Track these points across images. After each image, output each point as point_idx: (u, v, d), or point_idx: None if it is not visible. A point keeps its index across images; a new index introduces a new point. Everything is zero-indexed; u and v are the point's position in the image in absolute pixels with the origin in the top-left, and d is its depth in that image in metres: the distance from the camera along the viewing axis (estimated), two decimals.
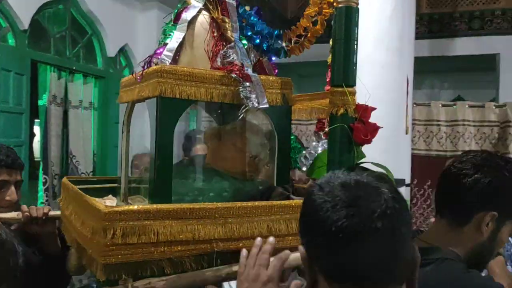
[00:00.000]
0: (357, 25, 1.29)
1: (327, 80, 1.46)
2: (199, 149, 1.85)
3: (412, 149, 4.48)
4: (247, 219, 1.09)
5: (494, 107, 4.63)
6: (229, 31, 1.33)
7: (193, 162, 1.71)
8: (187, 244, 1.04)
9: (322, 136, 1.53)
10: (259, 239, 0.95)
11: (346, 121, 1.28)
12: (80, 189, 1.34)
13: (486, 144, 4.58)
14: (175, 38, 1.30)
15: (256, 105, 1.23)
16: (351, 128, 1.28)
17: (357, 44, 1.30)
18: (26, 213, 1.50)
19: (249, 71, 1.29)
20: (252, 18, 1.39)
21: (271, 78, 1.34)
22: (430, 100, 6.15)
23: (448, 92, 8.75)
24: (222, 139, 1.43)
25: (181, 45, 1.30)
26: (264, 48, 1.39)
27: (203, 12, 1.36)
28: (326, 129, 1.54)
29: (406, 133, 3.47)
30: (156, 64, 1.25)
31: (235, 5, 1.39)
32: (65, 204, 1.43)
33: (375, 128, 1.29)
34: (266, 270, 0.91)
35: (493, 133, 4.61)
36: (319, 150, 1.56)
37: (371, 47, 3.16)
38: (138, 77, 1.25)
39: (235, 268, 1.02)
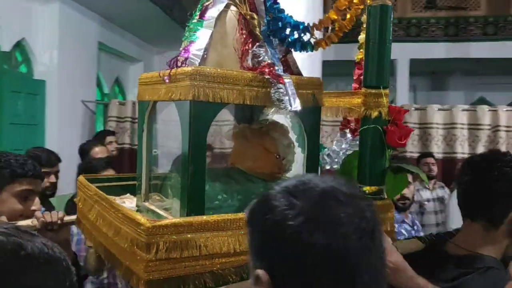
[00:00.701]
0: (391, 25, 1.25)
1: (354, 78, 1.43)
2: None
3: None
4: None
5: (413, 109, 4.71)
6: (257, 28, 1.28)
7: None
8: (228, 256, 1.02)
9: (348, 135, 1.50)
10: None
11: (379, 124, 1.25)
12: (97, 187, 1.30)
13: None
14: (203, 36, 1.24)
15: (289, 107, 1.19)
16: (384, 131, 1.25)
17: (391, 44, 1.26)
18: (42, 219, 1.46)
19: (280, 71, 1.24)
20: (278, 11, 1.33)
21: (301, 78, 1.30)
22: None
23: None
24: (249, 139, 1.39)
25: (208, 43, 1.24)
26: (290, 41, 1.34)
27: (231, 7, 1.30)
28: (350, 127, 1.52)
29: None
30: (183, 64, 1.19)
31: (263, 1, 1.33)
32: (85, 206, 1.38)
33: (408, 132, 1.27)
34: None
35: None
36: (343, 146, 1.54)
37: None
38: (166, 78, 1.20)
39: None
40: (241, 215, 1.06)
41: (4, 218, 1.42)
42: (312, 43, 1.34)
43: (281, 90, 1.20)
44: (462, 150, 4.50)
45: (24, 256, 0.64)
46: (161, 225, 0.95)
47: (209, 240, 0.99)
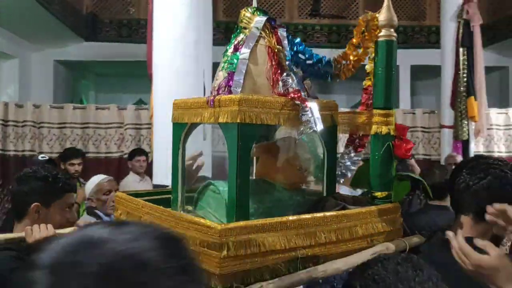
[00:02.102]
0: (396, 55, 1.51)
1: (362, 101, 1.66)
2: None
3: (213, 151, 4.64)
4: (329, 227, 1.29)
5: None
6: (284, 60, 1.50)
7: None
8: (279, 253, 1.22)
9: (352, 153, 1.73)
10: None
11: (388, 139, 1.50)
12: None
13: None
14: (240, 67, 1.45)
15: (315, 127, 1.41)
16: (393, 145, 1.50)
17: (396, 71, 1.51)
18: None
19: (304, 95, 1.47)
20: (300, 46, 1.56)
21: (321, 101, 1.53)
22: None
23: None
24: (274, 154, 1.60)
25: (245, 73, 1.45)
26: (312, 72, 1.58)
27: (261, 40, 1.51)
28: (356, 143, 1.75)
29: (204, 139, 3.38)
30: (226, 91, 1.39)
31: (285, 35, 1.55)
32: (131, 218, 1.54)
33: (411, 145, 1.52)
34: None
35: None
36: (348, 162, 1.76)
37: (169, 54, 3.26)
38: (211, 103, 1.39)
39: (321, 268, 1.22)
40: (285, 218, 1.26)
41: (50, 227, 1.55)
42: (332, 74, 1.56)
43: (308, 113, 1.42)
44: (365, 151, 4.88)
45: None
46: (230, 228, 1.14)
47: (266, 239, 1.19)
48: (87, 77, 9.36)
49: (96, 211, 3.02)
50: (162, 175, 3.31)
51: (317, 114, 1.43)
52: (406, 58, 7.23)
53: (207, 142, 4.34)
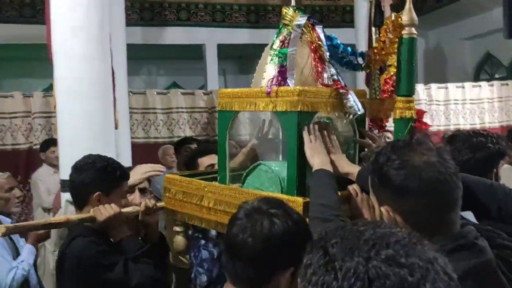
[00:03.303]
0: (416, 50, 1.77)
1: (383, 89, 1.91)
2: None
3: (132, 138, 4.74)
4: None
5: (202, 94, 5.17)
6: (324, 53, 1.71)
7: None
8: None
9: (376, 131, 1.98)
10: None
11: (410, 121, 1.77)
12: None
13: (198, 129, 5.06)
14: (291, 61, 1.64)
15: (358, 111, 1.65)
16: (413, 126, 1.77)
17: (416, 65, 1.77)
18: (144, 205, 1.75)
19: (343, 84, 1.69)
20: (335, 41, 1.78)
21: (355, 90, 1.76)
22: (148, 87, 6.88)
23: (165, 78, 9.60)
24: None
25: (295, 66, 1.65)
26: (344, 62, 1.80)
27: (303, 36, 1.71)
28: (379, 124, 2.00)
29: (116, 128, 3.33)
30: (282, 83, 1.59)
31: (322, 31, 1.76)
32: (189, 197, 1.71)
33: (428, 126, 1.80)
34: None
35: (203, 119, 5.09)
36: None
37: (69, 36, 2.86)
38: (269, 92, 1.57)
39: None
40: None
41: (115, 206, 1.69)
42: (363, 66, 1.79)
43: (350, 100, 1.65)
44: None
45: None
46: (306, 201, 1.36)
47: None
48: None
49: None
50: (69, 170, 2.85)
51: (356, 100, 1.67)
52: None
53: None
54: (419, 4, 6.95)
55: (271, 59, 1.69)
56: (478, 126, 5.44)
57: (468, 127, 5.49)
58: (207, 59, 7.44)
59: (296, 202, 1.36)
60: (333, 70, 1.70)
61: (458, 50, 7.53)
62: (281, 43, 1.70)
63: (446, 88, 5.67)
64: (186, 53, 7.88)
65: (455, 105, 5.57)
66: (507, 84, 5.79)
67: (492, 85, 5.74)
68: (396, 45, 1.75)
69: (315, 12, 7.65)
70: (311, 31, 1.73)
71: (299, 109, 1.51)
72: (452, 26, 7.12)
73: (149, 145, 4.89)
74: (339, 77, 1.71)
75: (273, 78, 1.62)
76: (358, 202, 1.43)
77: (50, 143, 4.34)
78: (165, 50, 7.81)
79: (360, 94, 1.79)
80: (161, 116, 4.98)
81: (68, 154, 2.72)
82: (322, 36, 1.75)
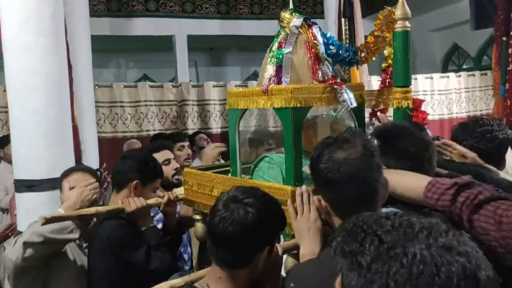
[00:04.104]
0: (410, 43, 1.85)
1: (381, 80, 2.01)
2: None
3: (98, 132, 4.54)
4: None
5: (171, 87, 4.99)
6: (320, 52, 1.84)
7: None
8: None
9: (374, 121, 2.08)
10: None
11: (407, 111, 1.85)
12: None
13: (167, 122, 4.91)
14: (286, 61, 1.78)
15: (351, 105, 1.76)
16: (410, 116, 1.85)
17: (411, 55, 1.85)
18: (167, 198, 1.97)
19: (338, 80, 1.81)
20: (331, 39, 1.89)
21: (351, 84, 1.87)
22: (117, 80, 6.81)
23: (135, 71, 9.36)
24: (314, 129, 1.96)
25: (291, 65, 1.79)
26: (339, 59, 1.91)
27: (299, 37, 1.84)
28: (376, 115, 2.11)
29: (74, 122, 3.20)
30: (279, 82, 1.74)
31: (318, 31, 1.88)
32: (202, 188, 1.91)
33: (426, 115, 1.88)
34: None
35: (173, 112, 4.94)
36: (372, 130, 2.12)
37: (19, 29, 2.68)
38: (265, 90, 1.73)
39: None
40: None
41: (142, 199, 1.92)
42: (357, 60, 1.90)
43: (344, 94, 1.76)
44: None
45: None
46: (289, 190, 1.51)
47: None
48: None
49: None
50: (24, 169, 2.68)
51: (351, 94, 1.78)
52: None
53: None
54: None
55: (270, 60, 1.84)
56: (446, 117, 5.43)
57: (436, 117, 5.50)
58: (177, 50, 7.31)
59: (285, 190, 1.51)
60: (328, 67, 1.82)
61: (427, 41, 7.45)
62: (278, 45, 1.85)
63: (416, 79, 5.56)
64: (156, 44, 7.70)
65: (423, 96, 5.48)
66: (473, 75, 5.74)
67: (459, 76, 5.70)
68: (387, 39, 1.84)
69: (285, 3, 7.57)
70: (307, 31, 1.86)
71: (291, 105, 1.66)
72: (421, 18, 6.95)
73: (116, 139, 4.69)
74: (335, 73, 1.83)
75: (270, 78, 1.78)
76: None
77: (10, 139, 3.84)
78: (135, 42, 7.63)
79: (358, 87, 1.90)
80: (129, 110, 4.78)
81: (22, 152, 2.65)
82: (318, 35, 1.88)
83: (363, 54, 1.91)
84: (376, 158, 1.21)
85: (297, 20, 1.85)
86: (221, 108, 4.95)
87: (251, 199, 1.22)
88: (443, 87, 5.57)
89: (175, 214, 2.12)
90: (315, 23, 1.90)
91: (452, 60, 7.62)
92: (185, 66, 7.44)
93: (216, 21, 7.32)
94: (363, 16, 5.15)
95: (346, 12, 4.53)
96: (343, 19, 4.53)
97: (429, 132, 1.88)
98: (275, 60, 1.82)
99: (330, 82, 1.76)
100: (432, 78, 5.44)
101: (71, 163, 2.66)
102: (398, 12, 1.82)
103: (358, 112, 1.89)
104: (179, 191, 2.07)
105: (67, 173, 2.06)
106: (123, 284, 1.88)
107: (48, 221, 1.66)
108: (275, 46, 1.86)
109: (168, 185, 2.55)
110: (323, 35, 1.91)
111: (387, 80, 1.97)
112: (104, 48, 6.61)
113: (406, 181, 1.31)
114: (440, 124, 5.52)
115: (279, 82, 1.76)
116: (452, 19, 6.53)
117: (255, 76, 9.13)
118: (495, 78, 3.56)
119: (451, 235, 0.66)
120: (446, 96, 5.54)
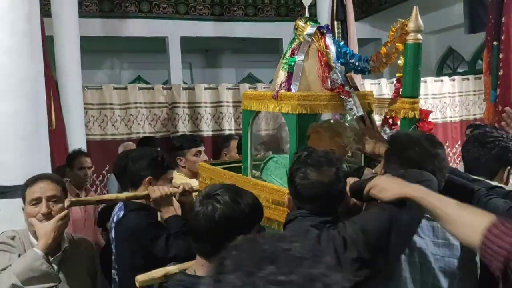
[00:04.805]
0: (421, 55, 1.89)
1: (395, 89, 2.05)
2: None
3: (87, 135, 4.46)
4: None
5: (162, 89, 4.84)
6: (331, 60, 1.91)
7: None
8: None
9: (387, 129, 2.14)
10: None
11: (414, 121, 1.90)
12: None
13: (158, 125, 4.77)
14: (297, 68, 1.87)
15: (357, 113, 1.84)
16: (417, 126, 1.90)
17: (421, 68, 1.89)
18: (182, 187, 2.12)
19: (347, 88, 1.88)
20: (344, 48, 1.96)
21: (359, 92, 1.94)
22: (111, 82, 6.50)
23: (129, 72, 9.11)
24: (322, 133, 2.04)
25: (301, 73, 1.88)
26: (353, 68, 1.98)
27: (312, 45, 1.92)
28: (389, 122, 2.16)
29: (53, 127, 3.05)
30: (288, 89, 1.83)
31: (332, 39, 1.95)
32: (213, 182, 2.05)
33: (432, 126, 1.92)
34: None
35: (163, 114, 4.79)
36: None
37: None
38: (275, 96, 1.83)
39: None
40: None
41: (167, 187, 2.07)
42: (369, 69, 1.96)
43: (351, 102, 1.84)
44: (229, 127, 4.88)
45: None
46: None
47: None
48: None
49: None
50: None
51: (358, 103, 1.85)
52: (291, 30, 6.97)
53: None
54: None
55: (283, 66, 1.94)
56: (440, 121, 5.26)
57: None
58: (170, 52, 7.22)
59: (283, 192, 1.62)
60: (338, 75, 1.89)
61: (422, 44, 7.06)
62: (291, 52, 1.94)
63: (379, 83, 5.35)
64: (151, 46, 7.61)
65: None
66: (467, 79, 5.52)
67: (453, 80, 5.49)
68: (400, 50, 1.88)
69: (280, 5, 7.52)
70: (320, 40, 1.93)
71: (297, 112, 1.75)
72: None
73: (106, 142, 4.60)
74: (345, 81, 1.90)
75: (281, 84, 1.88)
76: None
77: None
78: (129, 43, 7.54)
79: (367, 96, 1.97)
80: (119, 112, 4.67)
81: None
82: (330, 44, 1.95)
83: (374, 64, 1.96)
84: (342, 183, 1.48)
85: (310, 29, 1.92)
86: (212, 110, 4.87)
87: (221, 196, 1.29)
88: (437, 91, 5.41)
89: (191, 203, 2.26)
90: (329, 31, 1.97)
91: (447, 64, 7.39)
92: (179, 68, 7.33)
93: (210, 23, 7.29)
94: (356, 19, 5.08)
95: (339, 15, 4.49)
96: (336, 22, 4.50)
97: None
98: (287, 67, 1.91)
99: (338, 90, 1.83)
100: (426, 81, 5.31)
101: (47, 169, 2.52)
102: (411, 25, 1.86)
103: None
104: (194, 183, 2.22)
105: (31, 182, 1.94)
106: (146, 270, 2.04)
107: (73, 203, 1.84)
108: (288, 53, 1.95)
109: None
110: (337, 43, 1.98)
111: (401, 90, 2.01)
112: (98, 49, 6.48)
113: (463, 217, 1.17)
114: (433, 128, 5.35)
115: (289, 88, 1.86)
116: (447, 22, 6.31)
117: (250, 78, 9.23)
118: (486, 83, 3.43)
119: (286, 261, 0.65)
120: (440, 100, 5.39)
